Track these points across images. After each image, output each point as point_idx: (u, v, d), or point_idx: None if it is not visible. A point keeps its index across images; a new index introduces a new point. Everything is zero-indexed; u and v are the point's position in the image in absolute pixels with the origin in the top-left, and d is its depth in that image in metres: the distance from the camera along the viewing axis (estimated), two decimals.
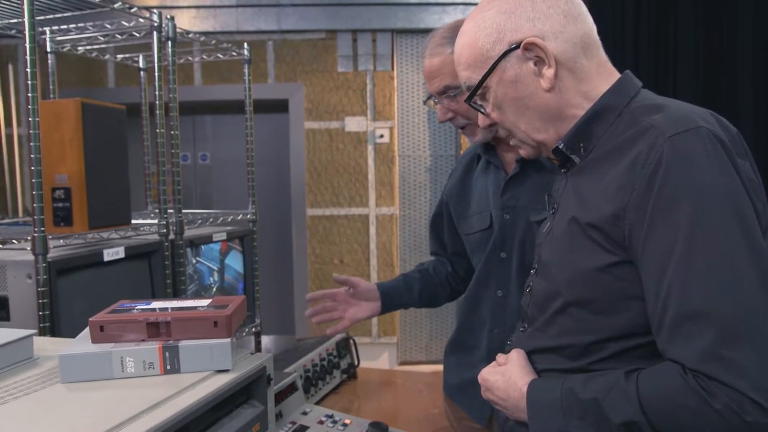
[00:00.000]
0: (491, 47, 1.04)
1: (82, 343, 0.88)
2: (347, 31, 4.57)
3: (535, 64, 1.02)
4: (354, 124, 4.63)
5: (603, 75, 1.04)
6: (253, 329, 2.28)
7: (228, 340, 0.88)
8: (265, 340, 5.32)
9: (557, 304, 1.03)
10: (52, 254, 1.44)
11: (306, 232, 4.69)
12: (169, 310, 0.90)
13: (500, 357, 1.13)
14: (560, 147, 1.05)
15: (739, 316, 0.83)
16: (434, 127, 4.59)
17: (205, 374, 0.87)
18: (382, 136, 4.64)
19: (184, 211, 2.28)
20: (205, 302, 0.96)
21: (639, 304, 0.93)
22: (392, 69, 4.61)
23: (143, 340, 0.88)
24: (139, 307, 0.94)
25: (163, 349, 0.86)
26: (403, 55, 4.56)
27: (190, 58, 2.38)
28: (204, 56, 2.39)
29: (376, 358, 4.73)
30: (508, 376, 1.07)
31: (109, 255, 1.60)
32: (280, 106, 4.66)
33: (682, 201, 0.87)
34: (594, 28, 1.06)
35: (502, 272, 1.57)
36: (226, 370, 0.88)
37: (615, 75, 1.06)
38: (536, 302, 1.10)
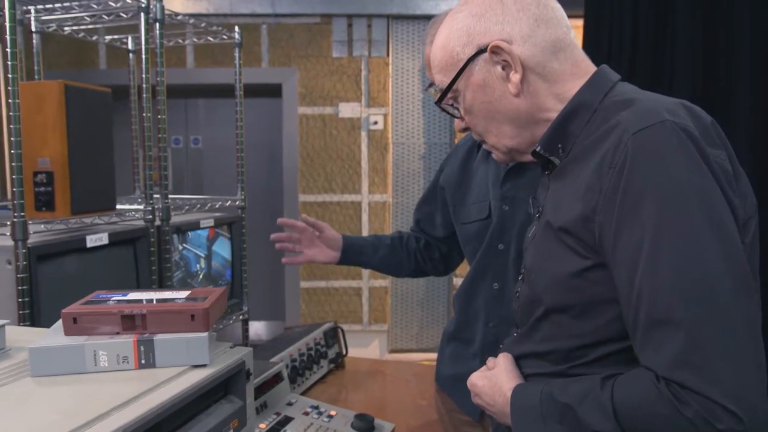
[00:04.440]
0: (461, 50, 1.03)
1: (54, 336, 0.85)
2: (342, 16, 4.53)
3: (503, 69, 1.00)
4: (348, 110, 4.61)
5: (578, 74, 1.01)
6: (241, 317, 2.25)
7: (205, 334, 0.85)
8: (256, 326, 5.34)
9: (539, 311, 1.01)
10: (33, 240, 1.41)
11: (298, 218, 4.65)
12: (145, 302, 0.88)
13: (490, 361, 1.12)
14: (538, 150, 1.03)
15: (708, 320, 0.80)
16: (429, 114, 4.56)
17: (181, 369, 0.84)
18: (376, 122, 4.61)
19: (172, 196, 2.25)
20: (183, 294, 0.93)
21: (617, 307, 0.90)
22: (387, 55, 4.58)
23: (118, 333, 0.85)
24: (115, 298, 0.91)
25: (138, 342, 0.83)
26: (399, 41, 4.52)
27: (181, 41, 2.33)
28: (194, 39, 2.35)
29: (366, 345, 4.73)
30: (494, 381, 1.06)
31: (92, 241, 1.57)
32: (273, 91, 4.64)
33: (648, 200, 0.84)
34: (569, 31, 1.03)
35: (499, 264, 1.55)
36: (203, 365, 0.85)
37: (590, 72, 1.03)
38: (522, 308, 1.09)
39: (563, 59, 1.01)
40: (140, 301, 0.89)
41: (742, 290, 0.82)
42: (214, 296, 0.91)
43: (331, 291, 4.74)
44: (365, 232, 4.71)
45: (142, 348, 0.83)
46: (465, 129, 1.15)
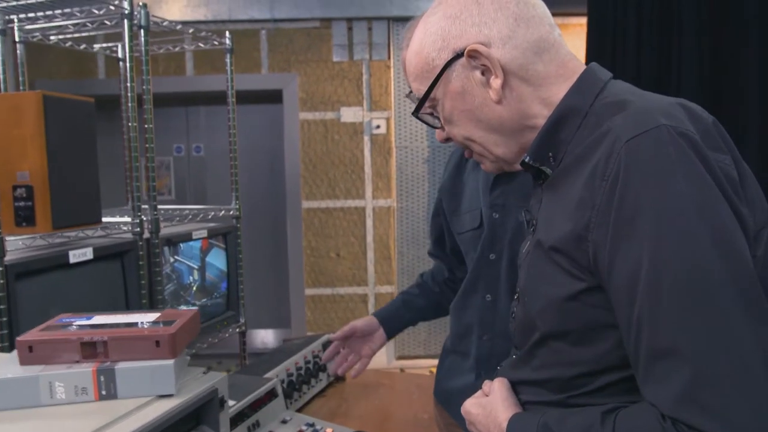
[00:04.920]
0: (436, 55, 0.95)
1: (8, 366, 0.79)
2: (342, 20, 4.47)
3: (482, 74, 0.92)
4: (350, 114, 4.54)
5: (565, 76, 0.93)
6: (237, 329, 2.20)
7: (171, 361, 0.79)
8: (262, 335, 5.28)
9: (535, 336, 0.93)
10: (11, 257, 1.36)
11: (301, 224, 4.61)
12: (108, 328, 0.81)
13: (486, 385, 1.04)
14: (527, 160, 0.95)
15: (717, 351, 0.71)
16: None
17: (145, 400, 0.78)
18: (378, 126, 4.55)
19: (166, 206, 2.20)
20: (152, 316, 0.87)
21: (618, 333, 0.82)
22: (389, 58, 4.51)
23: (77, 362, 0.79)
24: (77, 322, 0.85)
25: (98, 372, 0.77)
26: (400, 43, 4.43)
27: (172, 48, 2.28)
28: (185, 46, 2.29)
29: None
30: (489, 409, 0.98)
31: (75, 257, 1.52)
32: (273, 97, 4.59)
33: (644, 217, 0.75)
34: (553, 29, 0.95)
35: (490, 275, 1.48)
36: (170, 395, 0.79)
37: (578, 72, 0.94)
38: (519, 330, 1.01)
39: (548, 60, 0.93)
40: (103, 326, 0.83)
41: (754, 315, 0.72)
42: (183, 320, 0.85)
43: (337, 298, 4.68)
44: (370, 238, 4.65)
45: (102, 378, 0.77)
46: (447, 139, 1.07)
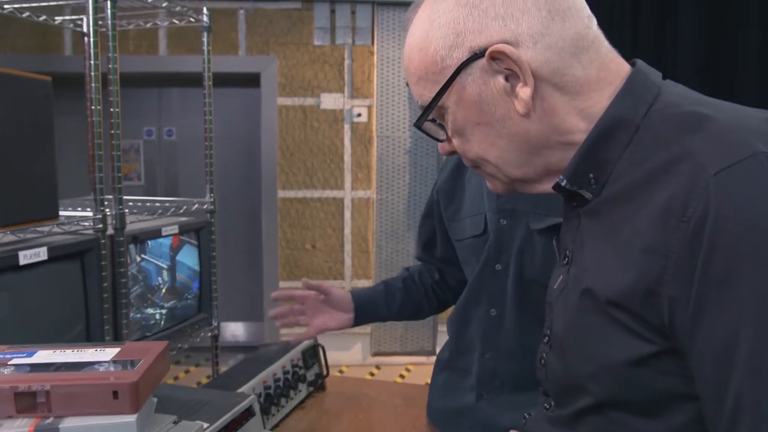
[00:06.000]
0: (447, 54, 0.76)
1: None
2: (325, 2, 4.32)
3: (507, 80, 0.74)
4: (330, 101, 4.39)
5: (607, 80, 0.76)
6: (210, 333, 2.02)
7: (132, 418, 0.62)
8: (232, 327, 5.11)
9: (584, 402, 0.77)
10: None
11: (277, 215, 4.47)
12: (52, 370, 0.64)
13: None
14: (562, 184, 0.78)
15: None
16: (415, 106, 4.34)
17: None
18: (359, 114, 4.41)
19: (132, 197, 2.01)
20: (110, 352, 0.70)
21: (697, 405, 0.67)
22: (372, 44, 4.36)
23: (10, 417, 0.61)
24: (14, 361, 0.67)
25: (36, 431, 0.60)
26: (384, 29, 4.30)
27: (142, 23, 2.09)
28: (158, 22, 2.10)
29: (348, 348, 4.53)
30: None
31: (26, 257, 1.33)
32: (251, 81, 4.42)
33: (745, 273, 0.60)
34: (591, 21, 0.76)
35: (496, 287, 1.33)
36: None
37: (622, 74, 0.77)
38: (558, 388, 0.84)
39: (587, 62, 0.75)
40: (46, 366, 0.65)
41: None
42: (149, 359, 0.68)
43: None
44: (348, 230, 4.50)
45: None
46: (452, 152, 0.88)
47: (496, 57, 0.73)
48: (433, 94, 0.77)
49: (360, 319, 1.59)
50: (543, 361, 0.88)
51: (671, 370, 0.67)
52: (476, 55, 0.74)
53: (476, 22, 0.74)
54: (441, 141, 0.84)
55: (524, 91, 0.73)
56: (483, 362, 1.38)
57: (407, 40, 0.81)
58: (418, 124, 0.82)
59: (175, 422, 0.70)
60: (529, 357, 0.99)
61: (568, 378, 0.79)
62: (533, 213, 1.27)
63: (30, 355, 0.70)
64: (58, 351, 0.70)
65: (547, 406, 0.89)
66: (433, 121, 0.82)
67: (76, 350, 0.71)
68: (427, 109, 0.79)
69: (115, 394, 0.62)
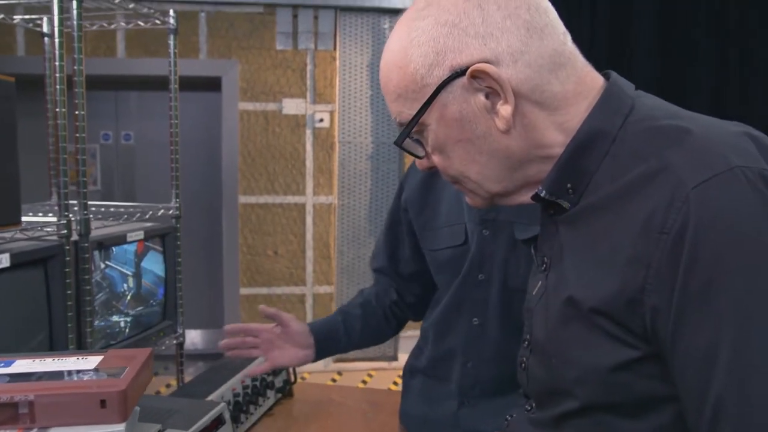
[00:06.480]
0: (427, 72, 0.76)
1: None
2: (287, 6, 4.29)
3: (487, 97, 0.76)
4: (292, 106, 4.37)
5: (583, 93, 0.78)
6: (175, 341, 1.99)
7: (122, 426, 0.61)
8: (192, 335, 5.02)
9: (569, 405, 0.78)
10: None
11: (237, 220, 4.42)
12: (35, 379, 0.62)
13: None
14: (542, 194, 0.79)
15: None
16: (377, 112, 4.36)
17: None
18: (321, 120, 4.40)
19: (95, 203, 1.96)
20: (94, 361, 0.68)
21: (678, 405, 0.69)
22: (334, 49, 4.35)
23: None
24: None
25: None
26: (347, 34, 4.30)
27: (106, 25, 2.04)
28: (123, 23, 2.06)
29: None
30: None
31: None
32: (212, 84, 4.37)
33: (723, 284, 0.63)
34: (566, 37, 0.79)
35: (479, 297, 1.33)
36: None
37: (597, 86, 0.79)
38: (541, 392, 0.85)
39: (564, 78, 0.76)
40: (28, 376, 0.63)
41: None
42: (135, 366, 0.66)
43: (273, 298, 4.49)
44: (309, 236, 4.48)
45: None
46: (431, 168, 0.87)
47: (477, 76, 0.74)
48: (413, 112, 0.78)
49: (320, 353, 1.52)
50: (524, 365, 0.89)
51: (654, 373, 0.69)
52: (457, 74, 0.75)
53: (456, 41, 0.75)
54: (420, 158, 0.85)
55: (505, 109, 0.75)
56: (465, 371, 1.37)
57: (384, 57, 0.81)
58: (398, 142, 0.82)
59: (160, 431, 0.69)
60: (511, 363, 1.00)
61: (551, 382, 0.80)
62: (517, 223, 1.27)
63: (8, 364, 0.68)
64: (37, 360, 0.68)
65: (529, 408, 0.90)
66: (411, 137, 0.82)
67: (57, 359, 0.69)
68: (408, 126, 0.79)
69: (103, 402, 0.61)
